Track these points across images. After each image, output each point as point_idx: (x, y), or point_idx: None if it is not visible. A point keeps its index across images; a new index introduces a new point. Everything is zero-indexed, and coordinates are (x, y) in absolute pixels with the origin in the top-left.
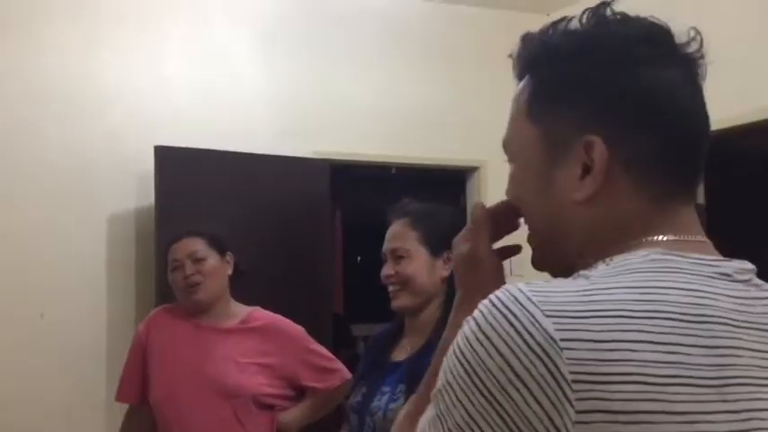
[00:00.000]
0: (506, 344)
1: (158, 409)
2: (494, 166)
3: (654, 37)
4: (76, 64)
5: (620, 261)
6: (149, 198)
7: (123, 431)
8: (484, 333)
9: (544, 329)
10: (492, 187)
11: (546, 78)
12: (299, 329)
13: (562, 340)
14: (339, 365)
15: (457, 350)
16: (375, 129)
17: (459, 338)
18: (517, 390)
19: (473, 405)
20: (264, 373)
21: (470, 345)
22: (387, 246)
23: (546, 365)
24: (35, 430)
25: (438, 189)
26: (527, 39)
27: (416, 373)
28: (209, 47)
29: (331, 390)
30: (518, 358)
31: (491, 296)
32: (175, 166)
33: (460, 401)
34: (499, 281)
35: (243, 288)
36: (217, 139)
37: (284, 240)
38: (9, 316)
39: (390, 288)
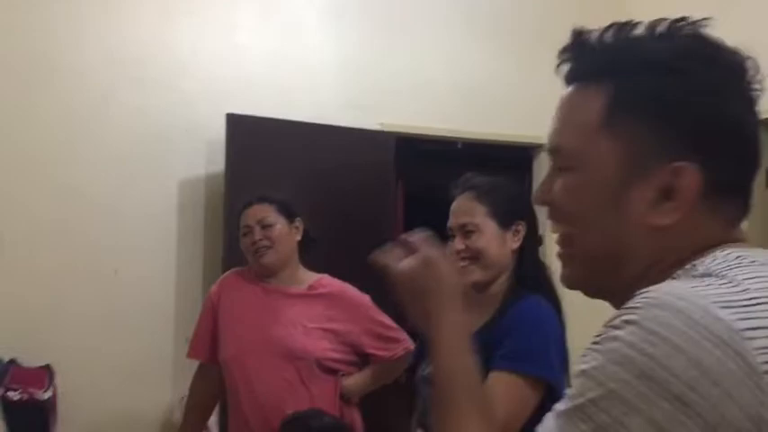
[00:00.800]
0: (689, 341)
1: (227, 368)
2: None
3: (744, 66)
4: (151, 31)
5: (715, 263)
6: (219, 164)
7: (193, 387)
8: (656, 333)
9: (724, 321)
10: None
11: (636, 89)
12: (365, 298)
13: (743, 330)
14: (403, 335)
15: (618, 356)
16: (442, 102)
17: (615, 344)
18: (710, 388)
19: (656, 411)
20: (329, 338)
21: (642, 348)
22: (454, 221)
23: (736, 358)
24: (104, 384)
25: (503, 167)
26: (592, 38)
27: (489, 346)
28: (281, 16)
29: (394, 359)
30: (706, 354)
31: (647, 297)
32: (245, 134)
33: (637, 410)
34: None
35: (307, 256)
36: (286, 108)
37: (347, 211)
38: (85, 271)
39: (460, 264)
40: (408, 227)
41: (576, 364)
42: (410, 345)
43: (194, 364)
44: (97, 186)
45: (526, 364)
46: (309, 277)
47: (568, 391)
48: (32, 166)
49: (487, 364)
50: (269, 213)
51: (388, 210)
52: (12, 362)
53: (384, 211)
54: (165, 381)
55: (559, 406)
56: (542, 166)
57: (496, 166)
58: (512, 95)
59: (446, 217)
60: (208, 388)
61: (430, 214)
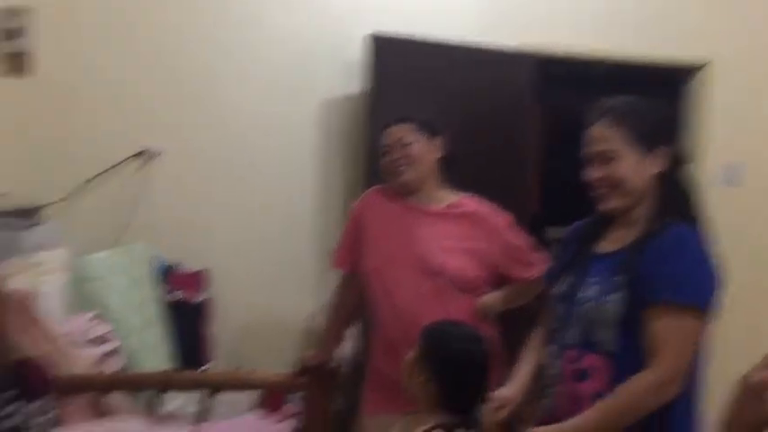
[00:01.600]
0: None
1: (368, 279)
2: (721, 66)
3: None
4: None
5: None
6: (360, 85)
7: (336, 295)
8: None
9: None
10: (718, 90)
11: None
12: (505, 218)
13: None
14: (539, 258)
15: None
16: (585, 22)
17: None
18: None
19: None
20: (467, 257)
21: None
22: (591, 148)
23: None
24: (252, 290)
25: (651, 91)
26: None
27: (633, 266)
28: None
29: (530, 280)
30: None
31: None
32: (387, 55)
33: None
34: None
35: (448, 176)
36: (427, 28)
37: (486, 133)
38: (236, 186)
39: (598, 191)
40: (545, 152)
41: None
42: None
43: (335, 277)
44: (242, 108)
45: (681, 294)
46: (449, 196)
47: None
48: (183, 87)
49: (630, 291)
50: (408, 133)
51: (526, 134)
52: (173, 266)
53: (522, 135)
54: (307, 290)
55: None
56: (696, 92)
57: (642, 90)
58: (662, 12)
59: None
60: (349, 297)
61: (567, 139)
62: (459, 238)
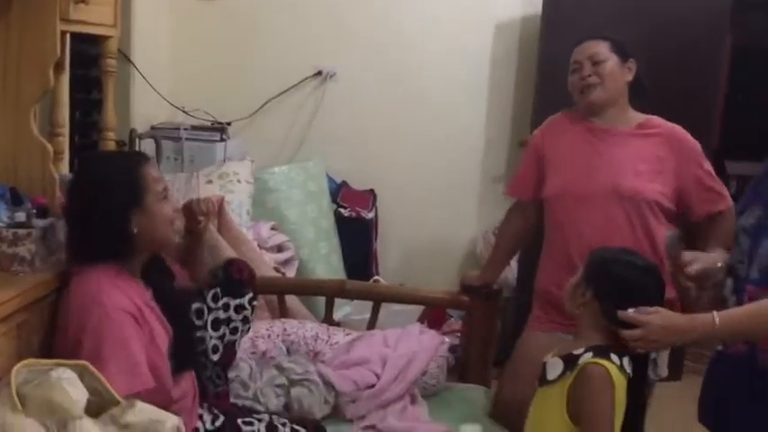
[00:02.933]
0: None
1: (550, 205)
2: None
3: None
4: None
5: None
6: (536, 6)
7: (507, 221)
8: None
9: None
10: None
11: None
12: (696, 143)
13: None
14: (726, 192)
15: None
16: None
17: None
18: None
19: None
20: (659, 180)
21: None
22: None
23: None
24: (417, 211)
25: None
26: None
27: None
28: None
29: (713, 215)
30: None
31: None
32: None
33: None
34: None
35: (637, 101)
36: None
37: (670, 59)
38: (407, 110)
39: None
40: (731, 83)
41: None
42: (731, 203)
43: (498, 203)
44: (418, 30)
45: None
46: (638, 117)
47: None
48: (359, 10)
49: None
50: (601, 49)
51: (714, 63)
52: (343, 183)
53: (710, 64)
54: (470, 214)
55: None
56: None
57: None
58: None
59: None
60: (523, 225)
61: (755, 71)
62: (652, 161)
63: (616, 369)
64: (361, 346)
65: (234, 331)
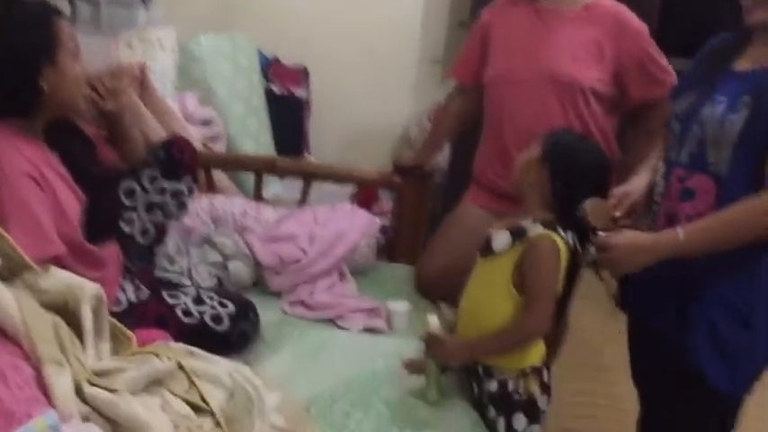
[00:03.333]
0: None
1: (489, 89)
2: None
3: None
4: None
5: None
6: None
7: (445, 104)
8: None
9: None
10: None
11: None
12: (642, 26)
13: None
14: (672, 78)
15: None
16: None
17: None
18: None
19: None
20: (598, 67)
21: None
22: None
23: None
24: (351, 91)
25: None
26: None
27: (764, 87)
28: None
29: (649, 100)
30: None
31: None
32: None
33: None
34: None
35: None
36: None
37: None
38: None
39: (745, 1)
40: None
41: None
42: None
43: (435, 87)
44: None
45: None
46: None
47: None
48: None
49: (757, 113)
50: None
51: None
52: (275, 59)
53: None
54: (405, 98)
55: None
56: None
57: None
58: None
59: None
60: (464, 108)
61: None
62: (591, 46)
63: (563, 242)
64: (290, 222)
65: (168, 215)
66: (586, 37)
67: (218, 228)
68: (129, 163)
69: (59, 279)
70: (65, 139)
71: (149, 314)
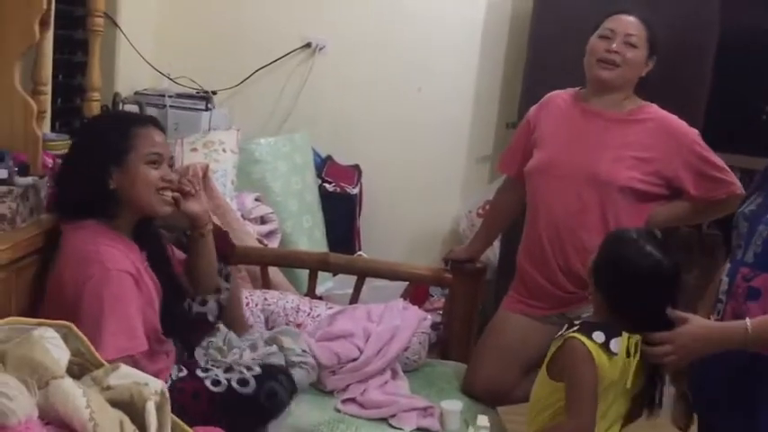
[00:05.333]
0: None
1: (530, 181)
2: None
3: None
4: None
5: None
6: None
7: (496, 198)
8: None
9: None
10: None
11: None
12: (692, 131)
13: None
14: (732, 178)
15: None
16: None
17: None
18: None
19: None
20: (641, 167)
21: None
22: None
23: None
24: (401, 188)
25: None
26: None
27: None
28: None
29: (713, 200)
30: None
31: None
32: None
33: None
34: None
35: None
36: None
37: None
38: (394, 84)
39: None
40: (717, 72)
41: None
42: (738, 190)
43: (483, 184)
44: (408, 4)
45: None
46: (633, 103)
47: None
48: None
49: None
50: (640, 33)
51: (703, 52)
52: (329, 158)
53: (698, 53)
54: (454, 193)
55: None
56: None
57: None
58: None
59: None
60: (513, 200)
61: (743, 61)
62: (636, 147)
63: (596, 346)
64: (345, 320)
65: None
66: (630, 139)
67: (270, 324)
68: (197, 286)
69: (128, 375)
70: (149, 238)
71: (187, 390)
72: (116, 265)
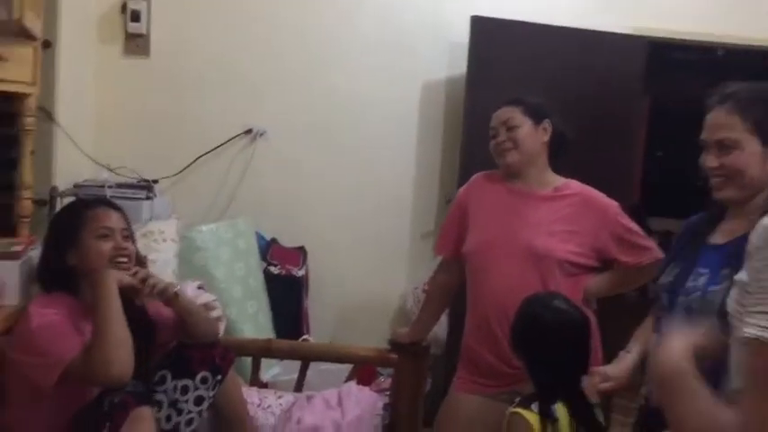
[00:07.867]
0: None
1: (469, 261)
2: None
3: None
4: None
5: None
6: (461, 67)
7: (434, 279)
8: None
9: None
10: None
11: None
12: (613, 203)
13: None
14: (652, 244)
15: None
16: (701, 3)
17: None
18: None
19: None
20: (574, 240)
21: None
22: (709, 135)
23: None
24: (348, 268)
25: None
26: None
27: (741, 258)
28: None
29: (640, 266)
30: None
31: None
32: (489, 37)
33: None
34: None
35: (556, 160)
36: (531, 11)
37: (590, 120)
38: (336, 167)
39: (714, 180)
40: (650, 139)
41: None
42: (659, 254)
43: (428, 259)
44: (345, 88)
45: None
46: (556, 180)
47: None
48: (288, 69)
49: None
50: (515, 115)
51: (632, 123)
52: (273, 241)
53: (628, 124)
54: (400, 271)
55: None
56: None
57: (763, 76)
58: None
59: (694, 131)
60: (449, 281)
61: (674, 128)
62: (566, 222)
63: (535, 416)
64: (307, 414)
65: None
66: (560, 214)
67: None
68: (193, 336)
69: None
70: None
71: None
72: (44, 311)
